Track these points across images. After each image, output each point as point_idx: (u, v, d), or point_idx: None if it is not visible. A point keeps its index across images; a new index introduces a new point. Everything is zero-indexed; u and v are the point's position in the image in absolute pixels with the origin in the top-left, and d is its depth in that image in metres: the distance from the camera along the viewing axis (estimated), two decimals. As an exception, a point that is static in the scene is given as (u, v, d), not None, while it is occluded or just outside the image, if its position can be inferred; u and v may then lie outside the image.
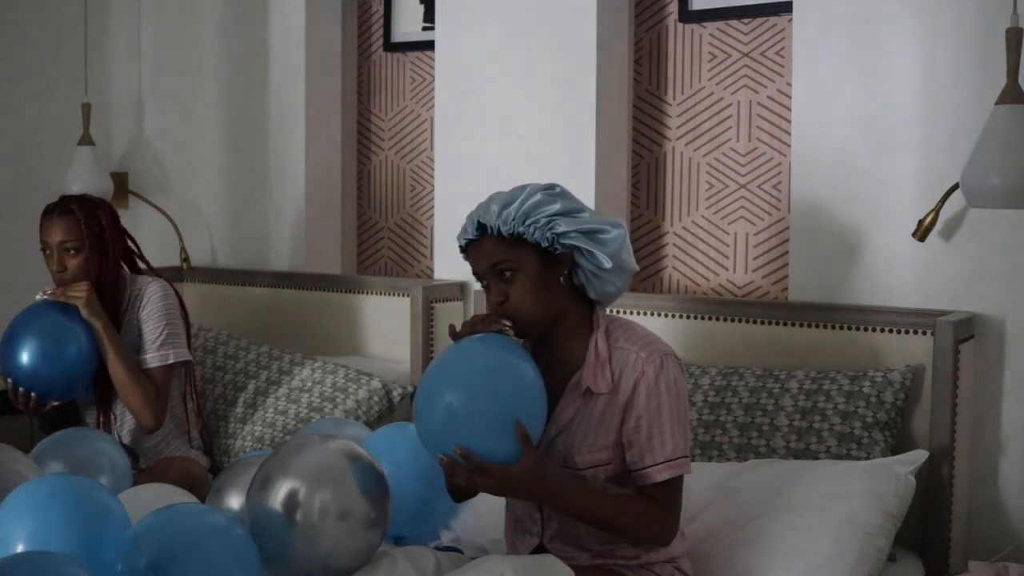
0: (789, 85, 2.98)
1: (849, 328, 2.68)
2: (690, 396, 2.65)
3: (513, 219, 2.06)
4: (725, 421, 2.63)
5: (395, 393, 3.16)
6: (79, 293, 2.87)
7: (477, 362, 2.02)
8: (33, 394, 2.83)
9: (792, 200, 2.87)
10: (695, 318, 2.89)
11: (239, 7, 3.88)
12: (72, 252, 2.92)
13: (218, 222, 3.99)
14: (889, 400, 2.53)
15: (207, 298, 3.84)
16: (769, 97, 3.06)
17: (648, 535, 2.10)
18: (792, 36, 2.90)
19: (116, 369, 2.90)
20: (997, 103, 2.34)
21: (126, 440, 2.99)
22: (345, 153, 3.89)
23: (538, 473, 2.00)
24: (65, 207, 2.94)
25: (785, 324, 2.76)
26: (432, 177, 3.61)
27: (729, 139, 3.13)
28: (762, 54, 3.07)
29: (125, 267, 3.05)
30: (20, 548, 1.91)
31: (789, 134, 2.97)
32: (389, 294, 3.44)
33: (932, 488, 2.51)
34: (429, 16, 3.66)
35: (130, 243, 3.07)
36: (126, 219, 3.18)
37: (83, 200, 2.98)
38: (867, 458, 2.47)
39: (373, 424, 3.06)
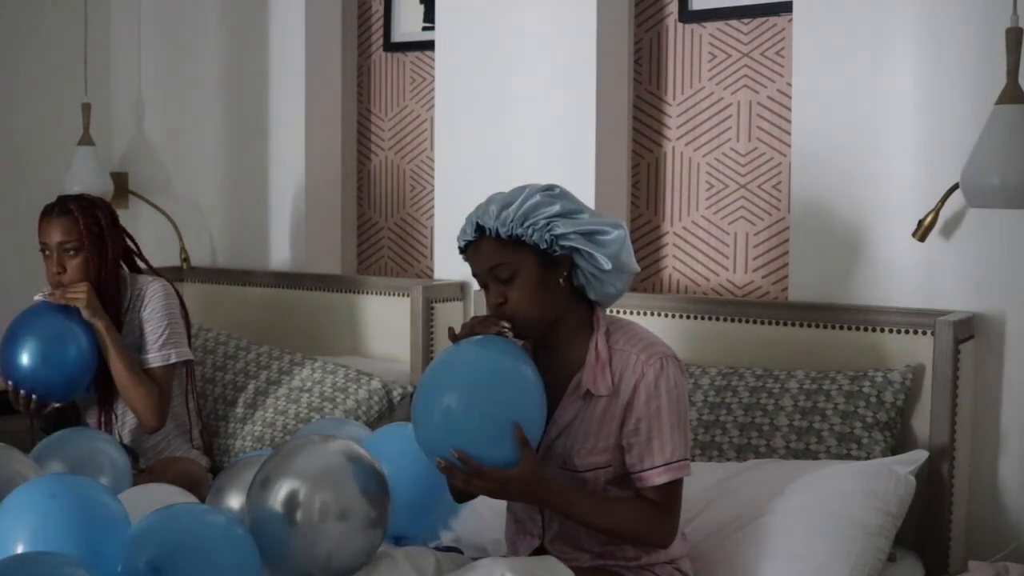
0: (789, 85, 2.98)
1: (849, 328, 2.68)
2: (690, 396, 2.65)
3: (511, 221, 2.05)
4: (725, 421, 2.63)
5: (395, 393, 3.16)
6: (79, 294, 2.86)
7: (475, 365, 2.02)
8: (34, 396, 2.82)
9: (792, 200, 2.87)
10: (695, 318, 2.88)
11: (239, 7, 3.88)
12: (72, 253, 2.91)
13: (218, 222, 3.99)
14: (889, 400, 2.53)
15: (207, 298, 3.84)
16: (769, 97, 3.06)
17: (647, 538, 2.10)
18: (792, 36, 2.90)
19: (118, 369, 2.90)
20: (997, 103, 2.34)
21: (127, 440, 2.99)
22: (345, 153, 3.89)
23: (536, 476, 2.00)
24: (63, 207, 2.93)
25: (785, 324, 2.76)
26: (432, 177, 3.61)
27: (729, 139, 3.13)
28: (762, 54, 3.07)
29: (124, 267, 3.05)
30: (20, 548, 1.91)
31: (789, 134, 2.97)
32: (389, 294, 3.44)
33: (932, 488, 2.51)
34: (429, 16, 3.66)
35: (129, 242, 3.07)
36: (126, 219, 3.18)
37: (81, 200, 2.97)
38: (867, 458, 2.47)
39: (373, 424, 3.06)
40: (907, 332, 2.60)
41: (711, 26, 3.15)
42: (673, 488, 2.08)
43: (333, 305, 3.56)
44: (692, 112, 3.19)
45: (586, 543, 2.14)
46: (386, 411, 3.15)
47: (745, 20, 3.09)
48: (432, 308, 3.26)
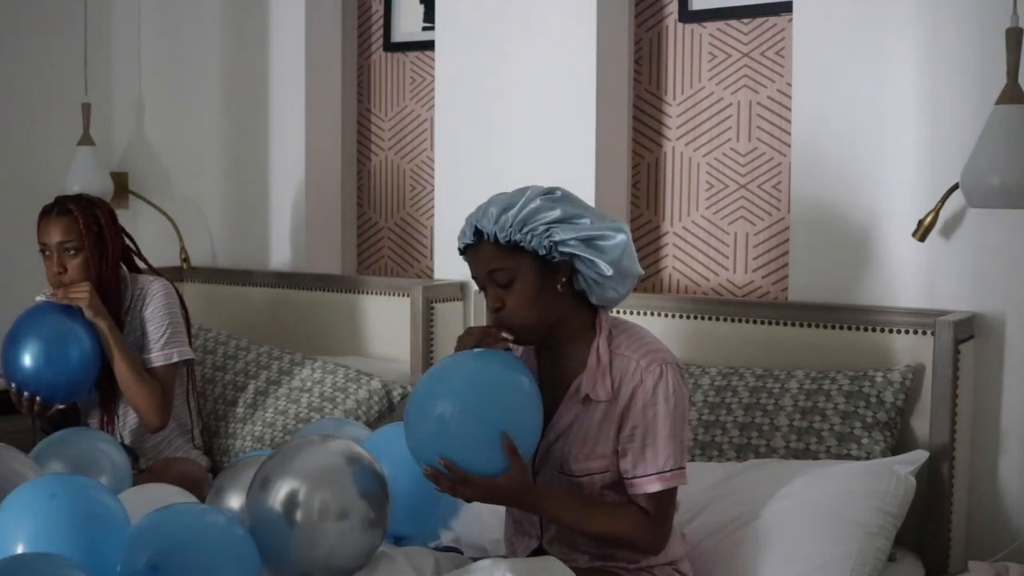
0: (789, 85, 2.98)
1: (849, 328, 2.68)
2: (690, 396, 2.65)
3: (510, 226, 2.02)
4: (725, 421, 2.63)
5: (395, 393, 3.16)
6: (82, 294, 2.86)
7: (468, 374, 2.01)
8: (38, 398, 2.82)
9: (792, 200, 2.87)
10: (695, 318, 2.88)
11: (239, 7, 3.88)
12: (72, 252, 2.91)
13: (218, 222, 3.99)
14: (889, 400, 2.52)
15: (207, 298, 3.84)
16: (769, 97, 3.06)
17: (637, 545, 2.09)
18: (792, 36, 2.90)
19: (121, 369, 2.90)
20: (997, 103, 2.34)
21: (127, 440, 2.99)
22: (345, 153, 3.89)
23: (524, 484, 1.99)
24: (63, 207, 2.93)
25: (785, 324, 2.76)
26: (432, 177, 3.61)
27: (729, 139, 3.13)
28: (762, 54, 3.07)
29: (124, 267, 3.05)
30: (20, 548, 1.91)
31: (789, 134, 2.97)
32: (389, 294, 3.44)
33: (932, 488, 2.51)
34: (429, 16, 3.65)
35: (129, 242, 3.07)
36: (126, 219, 3.18)
37: (80, 200, 2.98)
38: (867, 458, 2.47)
39: (373, 424, 3.06)
40: (907, 332, 2.60)
41: (711, 26, 3.15)
42: (665, 497, 2.06)
43: (333, 305, 3.56)
44: (692, 112, 3.19)
45: (583, 545, 2.13)
46: (386, 411, 3.15)
47: (745, 20, 3.09)
48: (432, 308, 3.26)
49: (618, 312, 2.84)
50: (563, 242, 2.03)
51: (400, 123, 3.80)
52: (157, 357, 2.97)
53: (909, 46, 2.68)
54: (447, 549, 2.34)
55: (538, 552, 2.17)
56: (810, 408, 2.56)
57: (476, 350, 2.05)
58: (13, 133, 3.87)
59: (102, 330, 2.88)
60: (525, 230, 2.02)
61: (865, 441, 2.49)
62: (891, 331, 2.62)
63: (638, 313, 2.91)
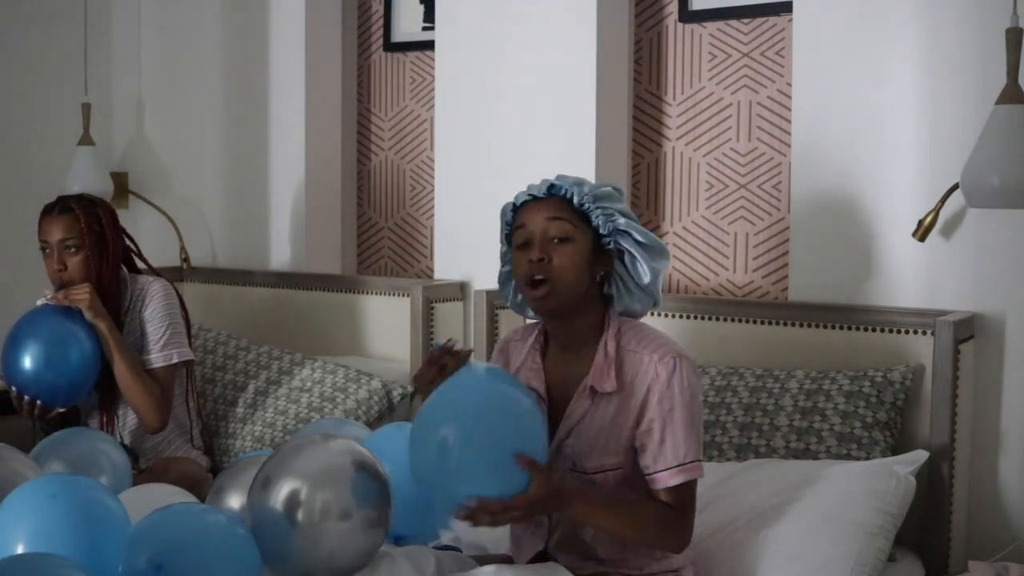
0: (789, 85, 2.98)
1: (849, 328, 2.68)
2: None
3: (586, 195, 2.08)
4: (725, 421, 2.63)
5: (395, 393, 3.16)
6: (82, 295, 2.85)
7: (468, 407, 1.95)
8: (39, 401, 2.82)
9: (792, 200, 2.87)
10: (695, 318, 2.89)
11: (239, 7, 3.88)
12: (72, 250, 2.92)
13: (218, 222, 3.99)
14: (889, 400, 2.53)
15: (207, 298, 3.84)
16: (769, 97, 3.06)
17: (664, 541, 2.08)
18: (792, 36, 2.90)
19: (121, 370, 2.90)
20: (997, 103, 2.34)
21: (127, 440, 2.99)
22: (345, 153, 3.89)
23: (553, 487, 1.96)
24: (65, 205, 2.94)
25: (785, 324, 2.76)
26: (432, 177, 3.61)
27: (729, 139, 3.13)
28: (762, 54, 3.07)
29: (124, 267, 3.05)
30: (20, 548, 1.91)
31: (789, 134, 2.97)
32: (389, 294, 3.44)
33: (932, 488, 2.51)
34: (429, 16, 3.66)
35: (129, 243, 3.07)
36: (126, 219, 3.18)
37: (82, 199, 2.98)
38: (867, 458, 2.47)
39: (373, 424, 3.06)
40: (907, 332, 2.60)
41: (711, 26, 3.15)
42: (686, 490, 2.06)
43: (333, 305, 3.56)
44: (692, 112, 3.19)
45: (591, 549, 2.12)
46: (386, 411, 3.15)
47: (745, 20, 3.09)
48: (432, 308, 3.26)
49: (618, 312, 2.84)
50: (624, 233, 2.09)
51: (400, 123, 3.80)
52: (157, 358, 2.97)
53: (909, 46, 2.68)
54: (446, 548, 2.34)
55: (543, 555, 2.16)
56: (810, 408, 2.56)
57: (450, 379, 2.00)
58: (13, 133, 3.87)
59: (102, 331, 2.87)
60: (596, 205, 2.08)
61: (865, 441, 2.49)
62: (891, 331, 2.62)
63: (638, 313, 2.91)
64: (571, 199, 2.08)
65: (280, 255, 3.83)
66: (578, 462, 2.10)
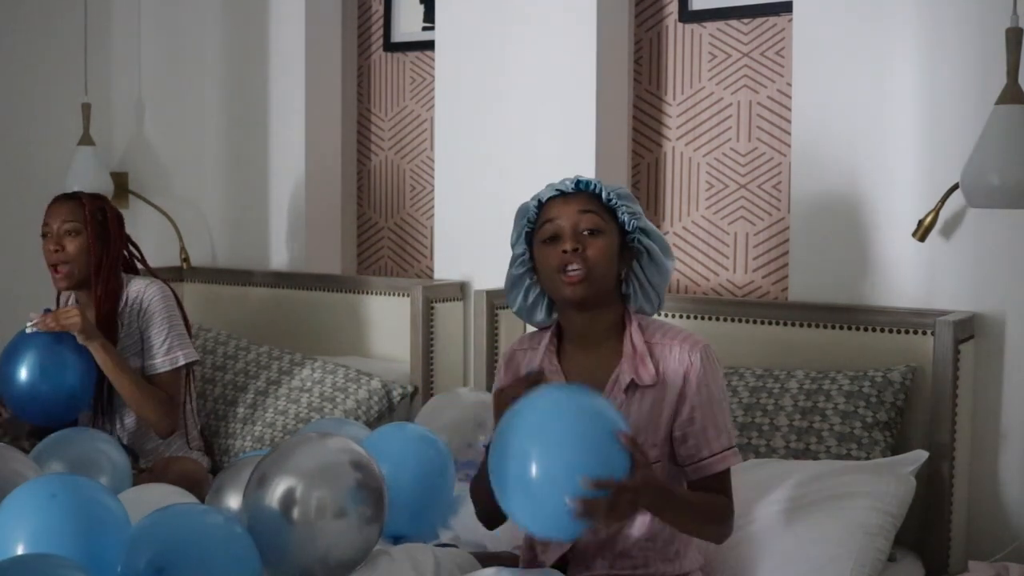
0: (789, 85, 2.98)
1: (849, 328, 2.68)
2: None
3: (613, 191, 2.10)
4: (725, 421, 2.63)
5: (395, 393, 3.16)
6: (72, 319, 2.82)
7: (562, 404, 1.89)
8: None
9: (792, 200, 2.87)
10: (695, 318, 2.89)
11: (239, 7, 3.88)
12: (72, 234, 2.93)
13: (218, 222, 3.99)
14: (889, 400, 2.52)
15: (207, 298, 3.84)
16: (769, 97, 3.06)
17: (719, 530, 2.08)
18: (792, 36, 2.90)
19: (123, 385, 2.88)
20: (997, 103, 2.34)
21: (126, 441, 2.99)
22: (345, 153, 3.89)
23: (652, 471, 1.92)
24: (72, 193, 3.00)
25: (785, 324, 2.76)
26: (432, 177, 3.61)
27: (729, 139, 3.13)
28: (762, 54, 3.07)
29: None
30: (20, 548, 1.91)
31: (789, 134, 2.97)
32: (389, 294, 3.44)
33: (932, 488, 2.51)
34: (429, 16, 3.66)
35: (133, 249, 3.08)
36: (126, 219, 3.18)
37: (90, 193, 3.03)
38: (867, 458, 2.47)
39: (373, 424, 3.06)
40: (907, 332, 2.60)
41: (711, 26, 3.15)
42: (728, 477, 2.09)
43: (333, 305, 3.56)
44: (692, 112, 3.19)
45: (620, 562, 2.08)
46: (386, 411, 3.15)
47: (745, 20, 3.09)
48: (432, 308, 3.26)
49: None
50: (646, 232, 2.11)
51: (400, 123, 3.80)
52: (162, 363, 2.96)
53: (909, 46, 2.68)
54: (444, 546, 2.33)
55: (562, 561, 2.12)
56: (810, 408, 2.56)
57: (530, 396, 1.92)
58: (13, 133, 3.87)
59: (97, 352, 2.86)
60: (622, 202, 2.10)
61: (865, 441, 2.49)
62: (891, 331, 2.62)
63: (638, 313, 2.91)
64: (599, 194, 2.10)
65: (280, 255, 3.83)
66: None
